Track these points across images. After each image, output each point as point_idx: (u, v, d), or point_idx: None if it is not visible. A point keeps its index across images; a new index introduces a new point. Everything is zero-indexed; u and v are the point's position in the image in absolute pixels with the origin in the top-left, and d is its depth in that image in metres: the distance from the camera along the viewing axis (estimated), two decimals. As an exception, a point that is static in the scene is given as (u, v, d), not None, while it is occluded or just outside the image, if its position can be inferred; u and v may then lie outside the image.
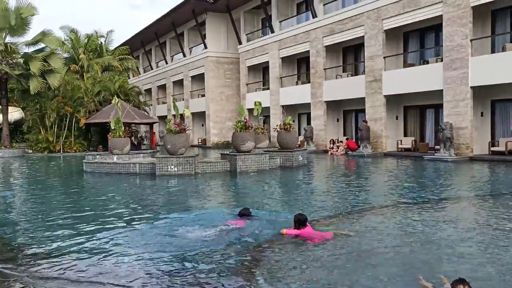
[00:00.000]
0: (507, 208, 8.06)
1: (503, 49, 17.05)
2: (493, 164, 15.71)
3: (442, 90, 18.53)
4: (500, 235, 6.18)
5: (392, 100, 21.77)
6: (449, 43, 18.12)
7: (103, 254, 5.58)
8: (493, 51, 18.01)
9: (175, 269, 4.96)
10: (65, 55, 36.05)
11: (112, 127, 17.89)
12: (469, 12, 17.41)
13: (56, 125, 29.25)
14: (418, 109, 21.84)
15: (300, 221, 6.16)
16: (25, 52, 29.29)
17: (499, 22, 18.29)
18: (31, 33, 73.83)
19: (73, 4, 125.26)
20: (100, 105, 30.19)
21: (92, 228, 7.12)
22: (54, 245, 6.08)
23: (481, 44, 18.17)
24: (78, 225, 7.31)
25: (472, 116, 17.69)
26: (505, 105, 18.11)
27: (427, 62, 20.37)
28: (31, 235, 6.76)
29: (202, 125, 38.42)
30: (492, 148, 17.68)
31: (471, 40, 17.47)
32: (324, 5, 25.32)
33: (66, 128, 29.48)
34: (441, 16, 18.50)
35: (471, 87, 17.48)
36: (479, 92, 17.87)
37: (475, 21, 17.73)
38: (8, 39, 29.01)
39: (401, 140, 21.68)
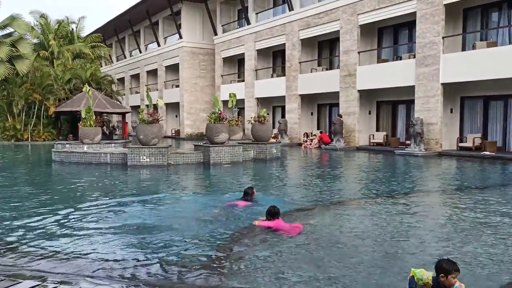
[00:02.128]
0: (472, 201, 8.29)
1: (473, 47, 17.47)
2: (460, 159, 16.14)
3: (414, 86, 18.87)
4: (466, 226, 6.34)
5: (366, 95, 22.05)
6: (421, 40, 18.44)
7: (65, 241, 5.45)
8: (463, 49, 18.44)
9: (137, 257, 4.88)
10: (35, 40, 34.84)
11: (83, 116, 17.47)
12: (442, 10, 17.74)
13: (24, 113, 28.38)
14: (390, 105, 22.19)
15: (271, 213, 6.16)
16: (-9, 37, 28.21)
17: (470, 21, 18.71)
18: (-1, 17, 71.12)
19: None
20: (71, 93, 29.41)
21: (49, 214, 6.93)
22: (13, 235, 5.89)
23: (452, 42, 18.56)
24: (35, 215, 7.11)
25: (442, 112, 18.10)
26: (474, 102, 18.60)
27: (400, 58, 20.68)
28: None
29: (176, 116, 38.01)
30: (460, 144, 18.16)
31: (443, 38, 17.82)
32: (300, -2, 25.33)
33: (34, 116, 28.62)
34: (414, 13, 18.78)
35: (441, 83, 17.87)
36: (449, 89, 18.29)
37: (447, 19, 18.09)
38: (-26, 22, 27.88)
39: (373, 135, 22.00)
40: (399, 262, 4.78)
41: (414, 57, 19.06)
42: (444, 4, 17.66)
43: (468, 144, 17.79)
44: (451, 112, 18.84)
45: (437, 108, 18.02)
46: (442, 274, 3.59)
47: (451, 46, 18.41)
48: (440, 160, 16.28)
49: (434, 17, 17.91)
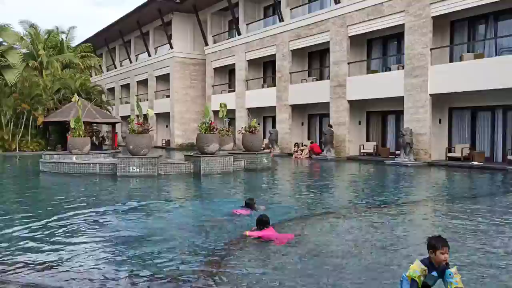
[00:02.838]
0: (462, 211, 8.32)
1: (461, 59, 17.71)
2: (449, 169, 16.27)
3: (403, 96, 19.05)
4: (455, 236, 6.36)
5: (356, 105, 22.20)
6: (410, 51, 18.67)
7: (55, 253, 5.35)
8: (451, 61, 18.69)
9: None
10: (24, 50, 34.66)
11: (72, 126, 17.33)
12: (430, 22, 18.00)
13: (12, 123, 28.08)
14: (380, 115, 22.36)
15: (262, 222, 6.15)
16: (-20, 46, 28.01)
17: (457, 33, 19.01)
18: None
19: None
20: (60, 103, 29.23)
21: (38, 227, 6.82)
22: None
23: (440, 53, 18.82)
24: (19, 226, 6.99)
25: (431, 122, 18.28)
26: (462, 112, 18.82)
27: (389, 69, 20.92)
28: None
29: (166, 126, 37.88)
30: (449, 154, 18.32)
31: (431, 49, 18.06)
32: (291, 9, 25.56)
33: (23, 126, 28.34)
34: (403, 25, 19.04)
35: (430, 94, 18.06)
36: (437, 100, 18.49)
37: (435, 31, 18.36)
38: (-38, 31, 27.67)
39: (363, 145, 22.12)
40: (390, 272, 4.76)
41: (403, 68, 19.28)
42: (432, 16, 17.93)
43: (457, 154, 17.96)
44: (440, 122, 19.03)
45: (426, 118, 18.19)
46: (431, 250, 3.75)
47: (439, 57, 18.66)
48: (430, 170, 16.39)
49: (422, 29, 18.17)
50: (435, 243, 3.75)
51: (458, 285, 3.63)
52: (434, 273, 3.74)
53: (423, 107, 18.26)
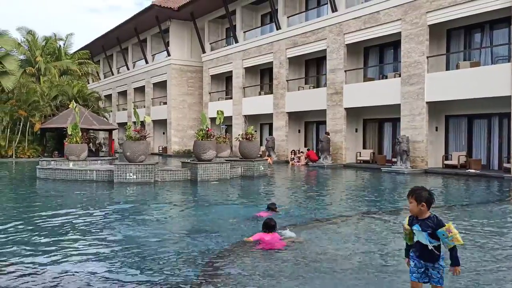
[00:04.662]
0: (459, 218, 8.34)
1: (457, 67, 17.84)
2: (446, 177, 16.31)
3: (399, 104, 19.14)
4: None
5: (352, 113, 22.27)
6: (406, 59, 18.78)
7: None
8: (448, 69, 18.82)
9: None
10: (21, 57, 34.69)
11: (69, 133, 17.31)
12: (426, 30, 18.14)
13: (9, 129, 28.00)
14: (377, 122, 22.44)
15: (268, 226, 6.19)
16: (-23, 52, 28.00)
17: (453, 41, 19.16)
18: (-15, 33, 70.52)
19: (31, 6, 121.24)
20: (57, 110, 29.19)
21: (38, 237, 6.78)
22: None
23: (436, 61, 18.95)
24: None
25: (428, 130, 18.35)
26: (458, 120, 18.91)
27: (386, 77, 21.02)
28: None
29: (163, 133, 37.87)
30: (446, 162, 18.37)
31: (427, 57, 18.18)
32: (288, 17, 25.71)
33: (19, 133, 28.27)
34: (399, 33, 19.18)
35: (426, 102, 18.15)
36: (434, 108, 18.59)
37: (432, 39, 18.50)
38: (-41, 38, 27.67)
39: (360, 152, 22.16)
40: (388, 279, 4.76)
41: (400, 76, 19.38)
42: (428, 25, 18.08)
43: (453, 162, 18.02)
44: (436, 130, 19.11)
45: (423, 126, 18.26)
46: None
47: (435, 65, 18.79)
48: (426, 177, 16.42)
49: (419, 37, 18.30)
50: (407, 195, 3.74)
51: (455, 243, 3.48)
52: (416, 227, 3.63)
53: (419, 114, 18.34)
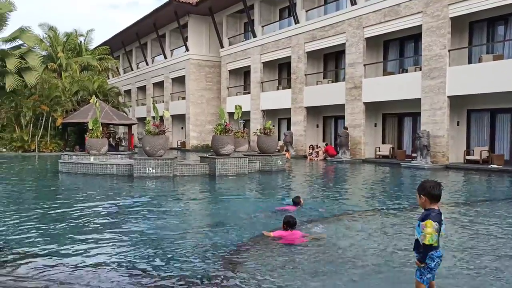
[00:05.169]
0: (479, 214, 8.20)
1: (480, 60, 17.46)
2: (467, 173, 16.02)
3: (420, 98, 18.85)
4: (475, 240, 6.27)
5: (371, 107, 22.05)
6: (427, 52, 18.47)
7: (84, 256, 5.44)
8: (470, 62, 18.43)
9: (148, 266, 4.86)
10: (43, 53, 35.35)
11: (90, 128, 17.58)
12: (448, 23, 17.79)
13: (31, 124, 28.63)
14: (396, 117, 22.16)
15: (289, 224, 6.20)
16: (1, 49, 28.65)
17: (476, 34, 18.74)
18: (8, 30, 72.22)
19: (52, 2, 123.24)
20: (78, 105, 29.70)
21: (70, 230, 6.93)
22: (28, 247, 5.89)
23: (458, 55, 18.58)
24: (49, 227, 7.11)
25: (449, 125, 18.04)
26: (481, 115, 18.53)
27: (406, 71, 20.71)
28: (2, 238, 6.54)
29: (182, 128, 38.15)
30: (467, 157, 18.05)
31: (449, 51, 17.84)
32: (306, 11, 25.53)
33: (42, 127, 28.87)
34: (420, 26, 18.85)
35: (448, 96, 17.84)
36: (455, 102, 18.25)
37: (454, 32, 18.13)
38: (-16, 34, 28.32)
39: (379, 147, 21.94)
40: (407, 275, 4.72)
41: (420, 69, 19.07)
42: (450, 17, 17.72)
43: (475, 157, 17.69)
44: (458, 124, 18.78)
45: (444, 120, 17.96)
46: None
47: (457, 59, 18.43)
48: (447, 173, 16.17)
49: (440, 30, 17.96)
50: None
51: (423, 241, 3.49)
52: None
53: (440, 109, 18.04)
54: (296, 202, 8.61)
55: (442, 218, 3.59)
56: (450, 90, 17.75)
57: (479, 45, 18.55)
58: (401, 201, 10.10)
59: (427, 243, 3.46)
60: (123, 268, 4.96)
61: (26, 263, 5.14)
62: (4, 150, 28.45)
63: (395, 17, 19.92)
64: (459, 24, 18.33)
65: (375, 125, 22.70)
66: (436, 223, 3.48)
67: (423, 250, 3.52)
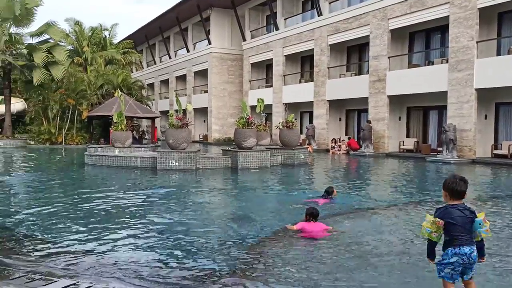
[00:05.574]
0: (508, 211, 7.99)
1: (509, 52, 16.94)
2: (495, 167, 15.63)
3: (446, 91, 18.44)
4: (499, 238, 6.13)
5: (396, 101, 21.69)
6: (455, 44, 18.02)
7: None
8: (498, 54, 17.90)
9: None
10: (69, 47, 36.02)
11: (115, 121, 17.86)
12: (476, 13, 17.30)
13: (58, 117, 29.27)
14: (421, 110, 21.75)
15: (312, 215, 6.22)
16: (29, 43, 29.31)
17: (505, 25, 18.17)
18: (36, 24, 73.83)
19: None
20: (103, 98, 30.19)
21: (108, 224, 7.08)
22: (59, 238, 6.04)
23: (486, 46, 18.07)
24: (84, 220, 7.28)
25: (476, 118, 17.61)
26: (509, 108, 18.02)
27: (432, 63, 20.27)
28: (32, 227, 6.72)
29: (204, 121, 38.38)
30: (495, 151, 17.60)
31: (477, 42, 17.37)
32: (329, 3, 25.22)
33: (68, 120, 29.49)
34: (447, 17, 18.39)
35: (475, 89, 17.39)
36: (483, 95, 17.78)
37: (482, 23, 17.63)
38: (13, 29, 29.06)
39: (403, 141, 21.60)
40: (431, 273, 4.64)
41: (447, 62, 18.64)
42: (479, 8, 17.23)
43: (504, 151, 17.23)
44: (486, 118, 18.31)
45: (471, 114, 17.54)
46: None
47: (485, 50, 17.92)
48: (474, 167, 15.81)
49: (468, 21, 17.49)
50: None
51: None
52: None
53: (468, 102, 17.61)
54: (329, 192, 8.59)
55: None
56: (478, 82, 17.30)
57: (508, 36, 17.99)
58: (426, 196, 9.92)
59: (422, 235, 3.58)
60: (145, 259, 5.03)
61: (54, 252, 5.28)
62: (32, 142, 29.22)
63: (421, 8, 19.48)
64: (487, 14, 17.80)
65: (399, 119, 22.33)
66: (439, 219, 3.44)
67: (427, 243, 3.59)
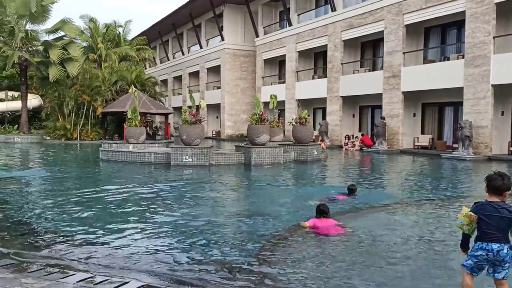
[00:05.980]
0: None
1: (527, 47, 16.64)
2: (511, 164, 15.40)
3: (462, 87, 18.20)
4: None
5: (410, 97, 21.47)
6: (471, 39, 17.75)
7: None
8: (516, 49, 17.59)
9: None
10: (84, 44, 36.36)
11: (129, 117, 18.00)
12: (493, 8, 17.01)
13: (73, 113, 29.62)
14: (436, 107, 21.50)
15: (320, 211, 6.20)
16: (45, 40, 29.65)
17: (524, 20, 17.84)
18: (51, 21, 74.69)
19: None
20: (117, 95, 30.43)
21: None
22: (77, 232, 6.13)
23: (504, 42, 17.75)
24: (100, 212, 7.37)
25: (493, 115, 17.34)
26: (527, 104, 17.71)
27: (448, 59, 20.00)
28: (51, 221, 6.82)
29: (217, 117, 38.48)
30: (512, 148, 17.34)
31: (494, 37, 17.08)
32: (343, -2, 25.04)
33: (83, 116, 29.83)
34: (464, 12, 18.12)
35: (492, 85, 17.13)
36: (500, 91, 17.50)
37: (499, 18, 17.33)
38: (29, 26, 29.42)
39: (418, 138, 21.39)
40: (447, 271, 4.60)
41: (463, 57, 18.37)
42: (496, 3, 16.93)
43: (521, 148, 16.95)
44: (502, 114, 18.02)
45: (487, 110, 17.28)
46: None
47: (502, 46, 17.61)
48: (491, 164, 15.58)
49: (485, 16, 17.20)
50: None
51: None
52: None
53: (484, 98, 17.35)
54: (352, 189, 8.54)
55: None
56: (494, 78, 17.02)
57: (527, 31, 17.66)
58: (443, 193, 9.82)
59: (454, 225, 3.62)
60: (157, 254, 5.07)
61: (70, 245, 5.35)
62: (48, 138, 29.64)
63: (437, 3, 19.22)
64: (504, 9, 17.48)
65: (414, 115, 22.11)
66: (472, 213, 3.43)
67: (462, 237, 3.60)
